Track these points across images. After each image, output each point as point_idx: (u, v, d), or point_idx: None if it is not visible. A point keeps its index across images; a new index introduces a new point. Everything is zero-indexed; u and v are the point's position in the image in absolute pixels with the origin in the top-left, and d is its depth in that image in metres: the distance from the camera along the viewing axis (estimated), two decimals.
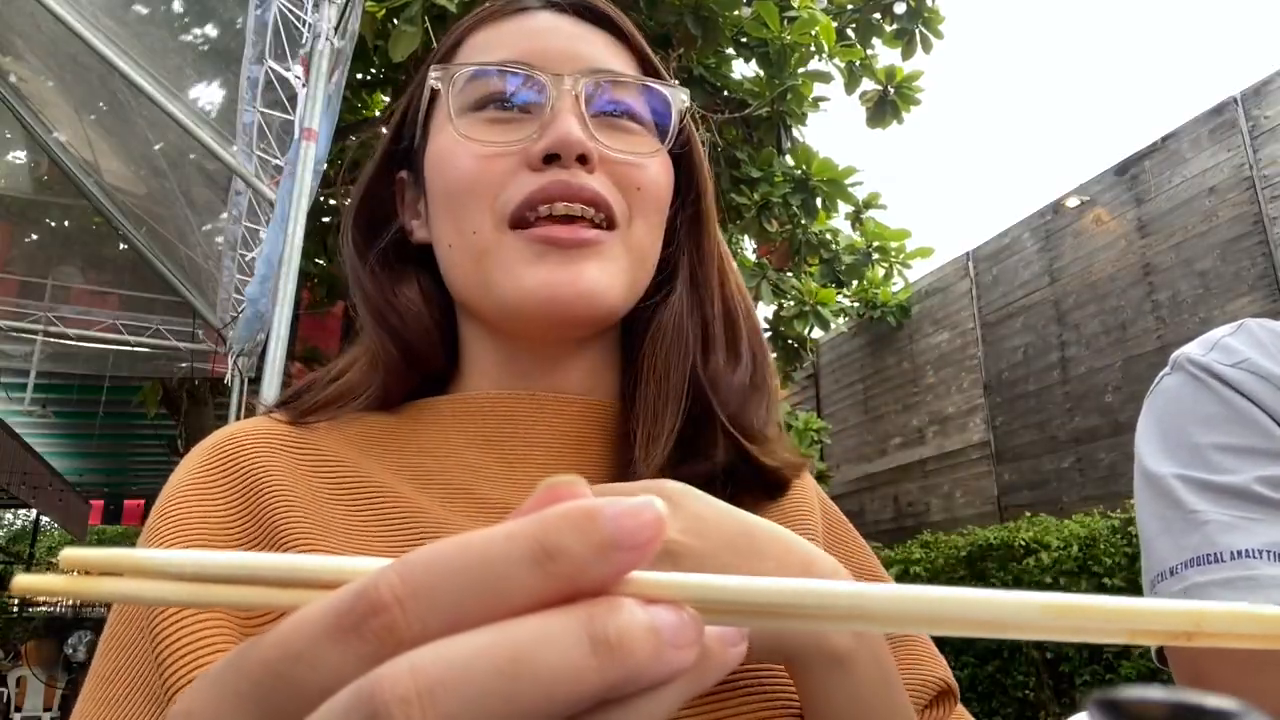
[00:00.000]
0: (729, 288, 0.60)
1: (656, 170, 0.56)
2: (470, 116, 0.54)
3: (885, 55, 5.59)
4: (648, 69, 0.59)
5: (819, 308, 5.78)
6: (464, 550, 0.19)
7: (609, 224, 0.53)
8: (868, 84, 5.50)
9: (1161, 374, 0.85)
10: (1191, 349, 0.82)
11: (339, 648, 0.19)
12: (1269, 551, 0.64)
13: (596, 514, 0.19)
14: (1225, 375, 0.76)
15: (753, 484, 0.56)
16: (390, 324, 0.56)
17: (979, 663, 4.57)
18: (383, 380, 0.56)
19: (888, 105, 5.52)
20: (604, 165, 0.53)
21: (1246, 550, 0.64)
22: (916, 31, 5.41)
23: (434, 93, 0.56)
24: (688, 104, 0.59)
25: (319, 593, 0.21)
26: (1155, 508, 0.75)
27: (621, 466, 0.54)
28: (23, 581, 0.22)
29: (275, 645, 0.20)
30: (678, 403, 0.54)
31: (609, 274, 0.52)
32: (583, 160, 0.51)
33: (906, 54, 5.48)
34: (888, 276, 6.37)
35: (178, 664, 0.41)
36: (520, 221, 0.52)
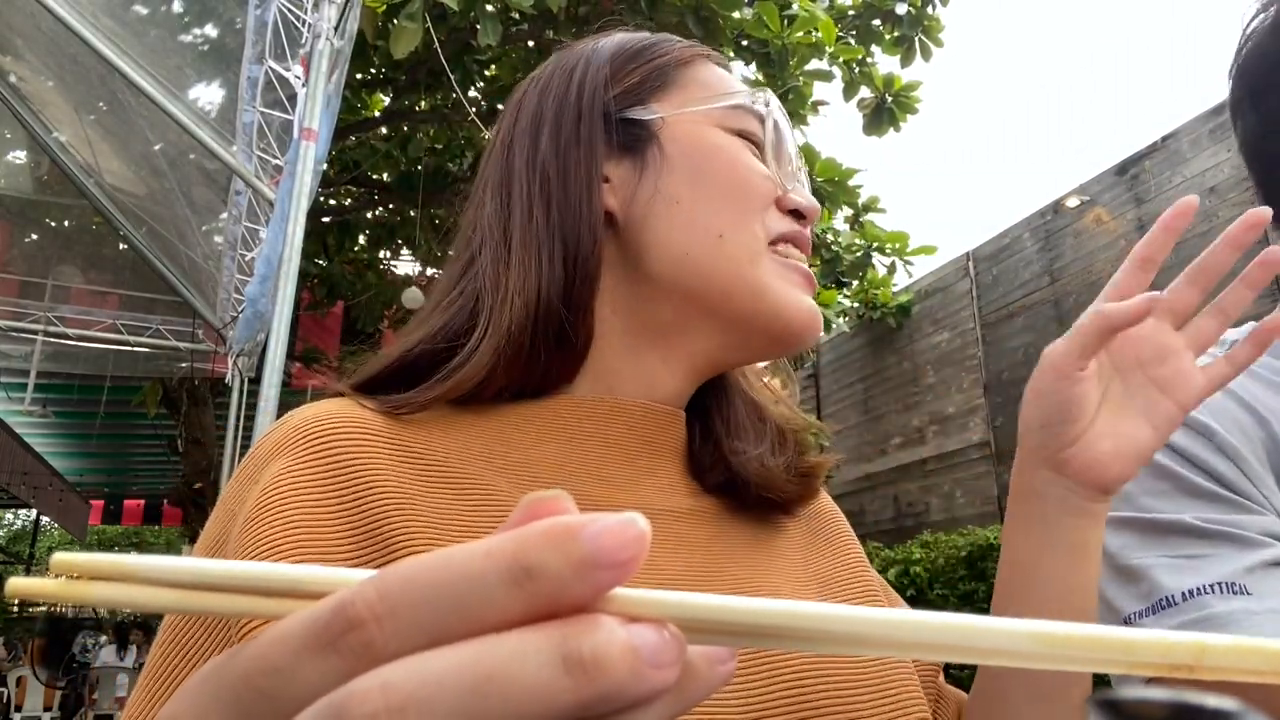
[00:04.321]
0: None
1: None
2: (740, 140, 0.58)
3: (885, 63, 5.60)
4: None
5: (820, 309, 5.79)
6: (442, 567, 0.19)
7: None
8: (866, 91, 5.50)
9: None
10: None
11: (316, 662, 0.19)
12: (1221, 585, 0.62)
13: (576, 531, 0.19)
14: None
15: (804, 493, 0.62)
16: (574, 279, 0.54)
17: None
18: (491, 374, 0.52)
19: (884, 113, 5.52)
20: None
21: (1197, 589, 0.63)
22: (916, 39, 5.41)
23: (709, 94, 0.59)
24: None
25: (303, 603, 0.20)
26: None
27: (694, 477, 0.59)
28: (16, 584, 0.22)
29: (255, 658, 0.20)
30: (771, 437, 0.61)
31: None
32: (805, 225, 0.60)
33: (906, 60, 5.49)
34: (891, 271, 6.37)
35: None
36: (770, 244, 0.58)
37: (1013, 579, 0.54)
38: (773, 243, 0.57)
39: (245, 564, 0.22)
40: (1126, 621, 0.66)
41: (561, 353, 0.54)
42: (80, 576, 0.22)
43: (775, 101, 0.61)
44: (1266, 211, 0.52)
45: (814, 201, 0.60)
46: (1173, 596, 0.63)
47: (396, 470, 0.48)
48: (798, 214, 0.59)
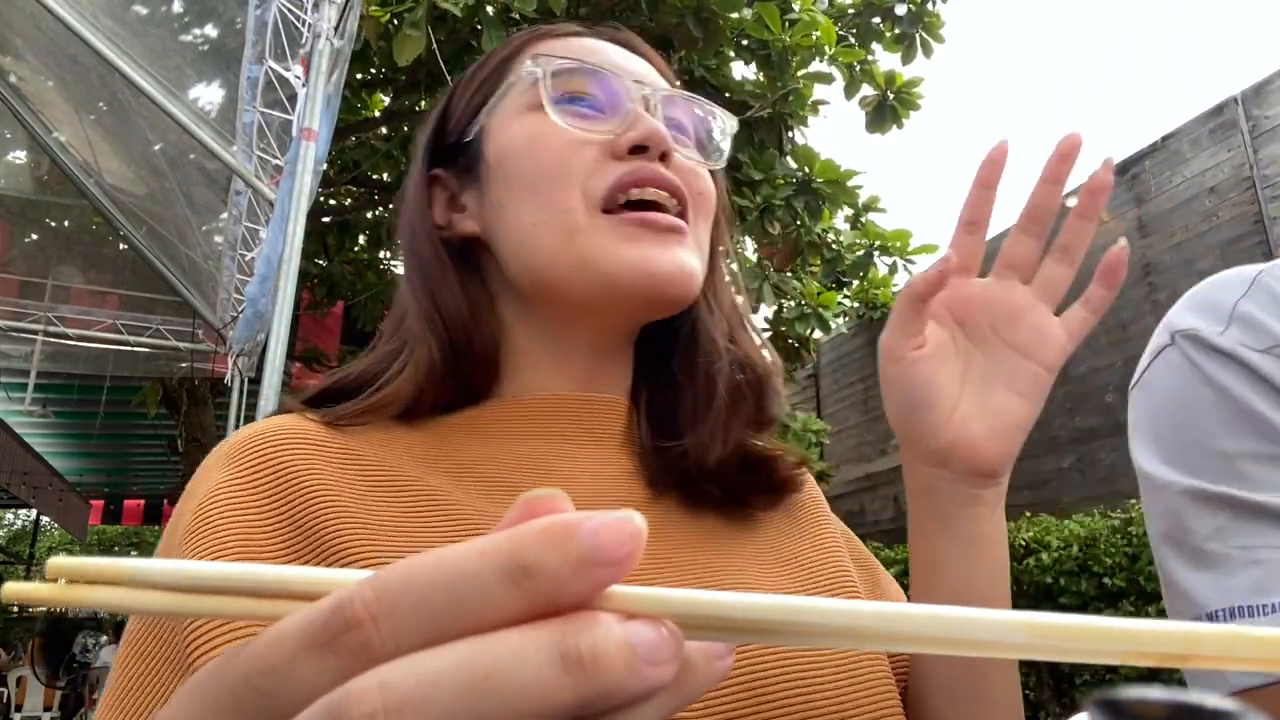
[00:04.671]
0: (733, 300, 0.65)
1: (711, 181, 0.60)
2: (555, 108, 0.56)
3: (885, 60, 5.58)
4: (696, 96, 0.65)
5: (820, 310, 5.77)
6: (439, 566, 0.19)
7: (682, 218, 0.56)
8: (867, 89, 5.49)
9: (1155, 350, 0.67)
10: (1195, 320, 0.65)
11: (313, 663, 0.19)
12: None
13: (574, 529, 0.19)
14: (1255, 365, 0.60)
15: (765, 484, 0.60)
16: (460, 323, 0.56)
17: None
18: (419, 390, 0.55)
19: (887, 110, 5.50)
20: (674, 168, 0.57)
21: None
22: (917, 36, 5.40)
23: (513, 84, 0.58)
24: (736, 128, 0.64)
25: (298, 604, 0.20)
26: (1175, 529, 0.60)
27: (642, 464, 0.58)
28: (12, 589, 0.22)
29: (252, 658, 0.20)
30: (719, 410, 0.57)
31: (693, 261, 0.56)
32: (663, 158, 0.55)
33: (907, 58, 5.47)
34: (892, 271, 6.34)
35: (203, 640, 0.41)
36: (610, 205, 0.54)
37: (918, 579, 0.53)
38: (617, 203, 0.54)
39: (241, 566, 0.22)
40: (1210, 618, 0.56)
41: (471, 363, 0.56)
42: (76, 580, 0.22)
43: (547, 65, 0.56)
44: (1077, 137, 0.49)
45: (652, 127, 0.54)
46: (1276, 604, 0.54)
47: (334, 476, 0.49)
48: (644, 148, 0.55)
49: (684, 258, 0.54)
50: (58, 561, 0.22)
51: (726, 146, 0.62)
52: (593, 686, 0.18)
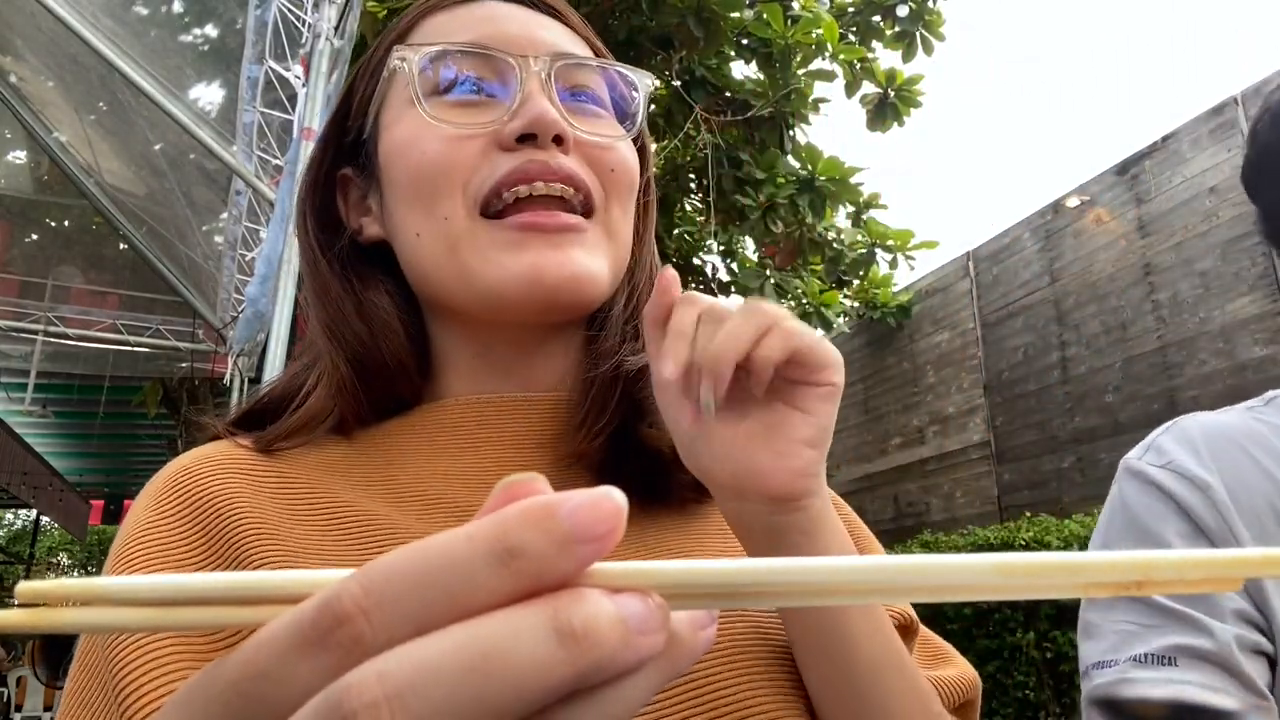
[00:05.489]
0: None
1: (626, 152, 0.56)
2: (435, 100, 0.52)
3: (886, 58, 5.58)
4: (600, 58, 0.59)
5: (822, 309, 5.77)
6: (425, 555, 0.19)
7: (586, 207, 0.53)
8: (868, 86, 5.49)
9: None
10: (1132, 453, 0.87)
11: (305, 662, 0.19)
12: (1151, 655, 0.73)
13: (555, 509, 0.19)
14: (1152, 477, 0.82)
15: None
16: (360, 342, 0.54)
17: (979, 663, 4.57)
18: (341, 407, 0.53)
19: (888, 108, 5.50)
20: (577, 148, 0.53)
21: (1136, 657, 0.74)
22: (917, 34, 5.40)
23: (391, 77, 0.55)
24: (652, 88, 0.59)
25: (282, 608, 0.20)
26: (1090, 606, 0.85)
27: (591, 461, 0.54)
28: None
29: (241, 664, 0.20)
30: (612, 397, 0.54)
31: (595, 259, 0.52)
32: (558, 141, 0.51)
33: (907, 56, 5.47)
34: (893, 267, 6.34)
35: (137, 692, 0.40)
36: (493, 205, 0.51)
37: (791, 639, 0.47)
38: (497, 201, 0.50)
39: (219, 575, 0.22)
40: (1085, 672, 0.78)
41: (385, 373, 0.54)
42: (50, 603, 0.21)
43: (414, 56, 0.52)
44: (668, 274, 0.46)
45: (538, 111, 0.50)
46: (1118, 660, 0.74)
47: (262, 505, 0.48)
48: (533, 136, 0.50)
49: (580, 258, 0.50)
50: (29, 586, 0.21)
51: (642, 110, 0.58)
52: (588, 660, 0.18)
